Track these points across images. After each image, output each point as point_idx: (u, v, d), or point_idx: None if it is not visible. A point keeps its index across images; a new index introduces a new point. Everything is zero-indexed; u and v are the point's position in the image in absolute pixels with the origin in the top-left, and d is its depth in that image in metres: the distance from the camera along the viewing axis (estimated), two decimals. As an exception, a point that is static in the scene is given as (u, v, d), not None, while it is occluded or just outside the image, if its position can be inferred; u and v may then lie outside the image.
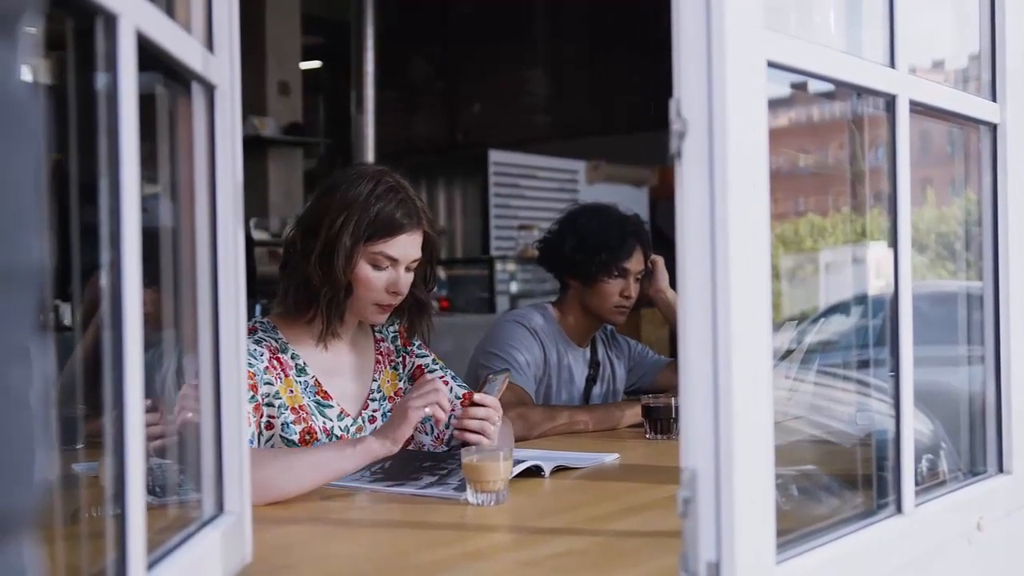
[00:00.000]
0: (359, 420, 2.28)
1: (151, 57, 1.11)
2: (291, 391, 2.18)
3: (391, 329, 2.42)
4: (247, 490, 1.40)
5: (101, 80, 1.00)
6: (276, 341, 2.22)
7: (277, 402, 2.15)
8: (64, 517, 1.17)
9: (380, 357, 2.38)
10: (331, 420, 2.22)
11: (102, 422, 1.04)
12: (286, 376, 2.18)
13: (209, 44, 1.34)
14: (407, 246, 2.21)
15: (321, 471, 1.95)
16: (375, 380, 2.34)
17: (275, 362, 2.18)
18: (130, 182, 1.00)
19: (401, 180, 2.23)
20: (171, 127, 1.32)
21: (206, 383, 1.35)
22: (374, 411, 2.31)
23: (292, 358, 2.22)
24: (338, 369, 2.29)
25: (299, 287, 2.20)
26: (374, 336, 2.39)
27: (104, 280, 1.00)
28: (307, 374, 2.22)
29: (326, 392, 2.24)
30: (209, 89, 1.33)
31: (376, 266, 2.19)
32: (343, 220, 2.15)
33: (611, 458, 2.37)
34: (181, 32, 1.21)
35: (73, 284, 1.06)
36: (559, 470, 2.19)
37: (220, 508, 1.36)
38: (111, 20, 0.99)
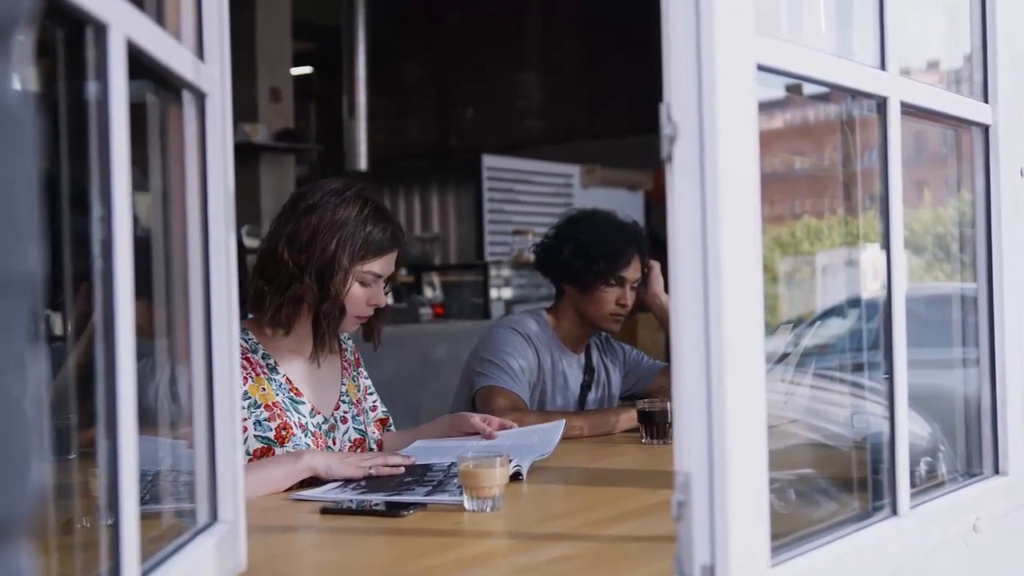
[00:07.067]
0: (331, 419, 2.37)
1: (141, 65, 1.11)
2: (263, 388, 2.25)
3: (349, 341, 2.53)
4: (241, 498, 1.39)
5: (91, 88, 1.00)
6: (246, 342, 2.28)
7: (247, 401, 2.20)
8: (57, 527, 1.17)
9: (346, 364, 2.48)
10: (304, 416, 2.30)
11: (94, 432, 1.04)
12: (257, 375, 2.26)
13: (200, 52, 1.33)
14: (390, 264, 2.35)
15: (265, 488, 2.04)
16: (343, 384, 2.45)
17: (245, 362, 2.24)
18: (121, 190, 1.00)
19: (379, 200, 2.36)
20: (162, 135, 1.32)
21: (199, 392, 1.35)
22: (344, 412, 2.41)
23: (263, 358, 2.30)
24: (309, 373, 2.37)
25: (291, 303, 2.26)
26: (339, 345, 2.48)
27: (96, 289, 0.99)
28: (279, 372, 2.30)
29: (298, 390, 2.32)
30: (200, 97, 1.33)
31: (363, 283, 2.30)
32: (337, 242, 2.25)
33: (557, 425, 2.46)
34: (171, 41, 1.21)
35: (64, 294, 1.06)
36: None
37: (214, 516, 1.36)
38: (101, 29, 0.98)
